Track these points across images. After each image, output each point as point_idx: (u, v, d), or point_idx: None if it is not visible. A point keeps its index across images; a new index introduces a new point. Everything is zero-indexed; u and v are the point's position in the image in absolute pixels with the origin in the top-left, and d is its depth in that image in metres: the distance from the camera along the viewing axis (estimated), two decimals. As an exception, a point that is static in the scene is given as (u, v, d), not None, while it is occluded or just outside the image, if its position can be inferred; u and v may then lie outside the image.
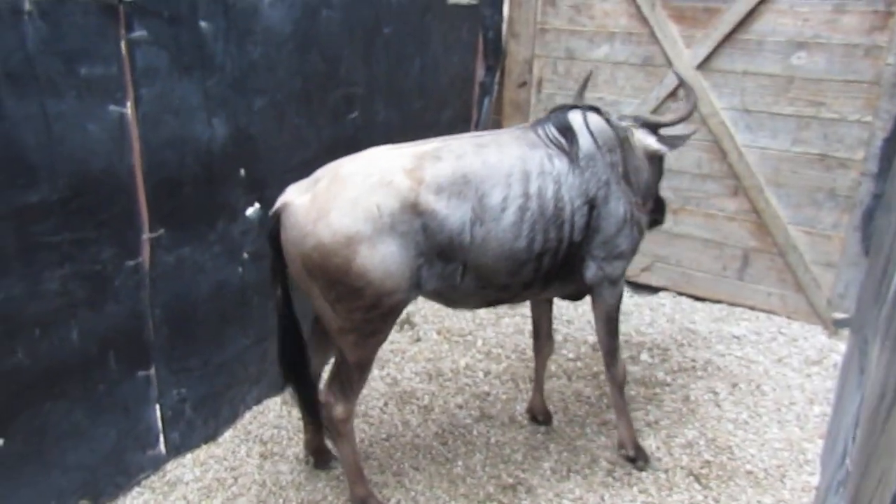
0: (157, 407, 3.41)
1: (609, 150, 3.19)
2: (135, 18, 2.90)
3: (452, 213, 2.81)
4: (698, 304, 5.29)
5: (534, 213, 2.95)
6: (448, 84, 5.19)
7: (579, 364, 4.45)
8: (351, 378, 3.01)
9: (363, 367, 3.01)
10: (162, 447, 3.47)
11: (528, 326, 4.89)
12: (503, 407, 4.03)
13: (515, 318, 5.01)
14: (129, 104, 2.95)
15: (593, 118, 3.23)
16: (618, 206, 3.19)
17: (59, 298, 2.84)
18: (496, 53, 5.65)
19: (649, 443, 3.70)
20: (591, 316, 5.05)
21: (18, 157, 2.60)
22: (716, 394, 4.18)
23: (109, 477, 3.25)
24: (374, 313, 2.81)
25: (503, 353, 4.58)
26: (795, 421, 3.95)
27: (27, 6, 2.53)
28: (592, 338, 4.73)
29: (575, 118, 3.19)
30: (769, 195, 4.90)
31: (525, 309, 5.17)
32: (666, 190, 5.29)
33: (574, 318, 5.03)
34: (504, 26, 5.67)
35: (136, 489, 3.37)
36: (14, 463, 2.83)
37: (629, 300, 5.32)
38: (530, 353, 4.55)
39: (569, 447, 3.69)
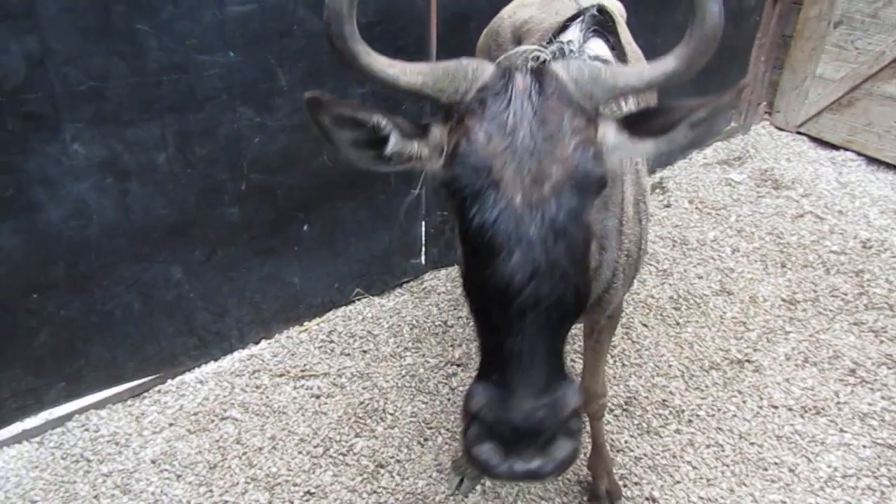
0: (423, 224, 3.85)
1: None
2: None
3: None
4: None
5: None
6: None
7: (842, 258, 4.11)
8: None
9: None
10: (422, 259, 3.96)
11: (791, 210, 4.61)
12: (746, 285, 3.93)
13: (778, 200, 4.70)
14: (432, -63, 3.12)
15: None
16: None
17: (357, 114, 3.25)
18: None
19: (906, 354, 3.43)
20: (867, 210, 4.61)
21: (339, -19, 2.93)
22: None
23: (379, 275, 3.81)
24: None
25: (757, 232, 4.37)
26: None
27: None
28: (865, 233, 4.32)
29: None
30: None
31: (792, 192, 4.83)
32: None
33: (848, 209, 4.58)
34: None
35: (398, 290, 3.92)
36: (313, 245, 3.44)
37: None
38: (787, 237, 4.33)
39: (810, 338, 3.55)
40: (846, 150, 5.26)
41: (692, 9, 1.46)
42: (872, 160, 5.13)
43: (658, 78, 1.51)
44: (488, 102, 1.42)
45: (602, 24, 2.15)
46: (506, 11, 2.93)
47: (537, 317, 1.32)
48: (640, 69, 1.55)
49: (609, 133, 1.54)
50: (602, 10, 2.23)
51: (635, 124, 1.55)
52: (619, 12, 2.88)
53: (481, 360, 1.43)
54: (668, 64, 1.51)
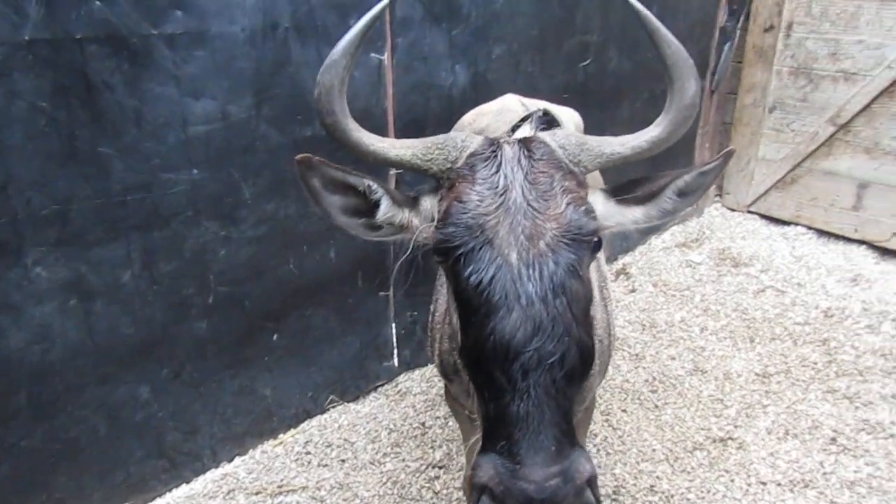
0: (393, 325, 3.84)
1: None
2: (395, -28, 3.21)
3: None
4: (961, 280, 4.69)
5: None
6: (686, 30, 5.00)
7: (807, 328, 4.19)
8: None
9: None
10: (395, 360, 3.92)
11: (753, 286, 4.72)
12: (718, 363, 3.96)
13: (738, 277, 4.82)
14: (386, 52, 3.28)
15: None
16: None
17: (322, 221, 3.31)
18: (741, -4, 5.31)
19: (883, 416, 3.44)
20: (824, 280, 4.73)
21: (299, 96, 3.05)
22: (972, 377, 3.74)
23: (353, 380, 3.75)
24: None
25: (723, 310, 4.45)
26: None
27: (311, -35, 2.92)
28: (825, 303, 4.43)
29: None
30: None
31: (751, 269, 4.96)
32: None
33: (806, 281, 4.71)
34: (752, -34, 5.29)
35: (373, 394, 3.85)
36: (284, 355, 3.40)
37: (875, 266, 4.86)
38: (752, 312, 4.41)
39: (788, 410, 3.55)
40: (796, 224, 5.47)
41: (670, 81, 1.58)
42: (822, 232, 5.34)
43: (642, 145, 1.58)
44: (478, 167, 1.46)
45: (549, 123, 2.28)
46: (466, 119, 3.07)
47: (542, 377, 1.28)
48: (625, 138, 1.60)
49: (598, 200, 1.57)
50: (546, 112, 2.39)
51: (621, 194, 1.60)
52: (576, 123, 3.02)
53: (484, 432, 1.37)
54: (651, 132, 1.58)
